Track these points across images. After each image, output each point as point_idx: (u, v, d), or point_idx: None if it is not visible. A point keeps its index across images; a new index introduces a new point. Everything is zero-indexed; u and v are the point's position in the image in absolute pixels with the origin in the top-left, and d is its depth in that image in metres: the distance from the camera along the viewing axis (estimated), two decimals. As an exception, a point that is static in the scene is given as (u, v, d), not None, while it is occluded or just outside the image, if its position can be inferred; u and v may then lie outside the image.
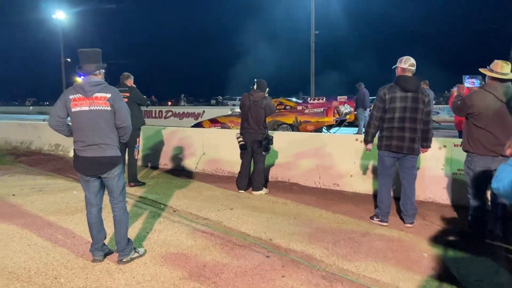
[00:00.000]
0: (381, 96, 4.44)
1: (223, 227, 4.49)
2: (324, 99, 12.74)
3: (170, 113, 21.13)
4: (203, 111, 20.06)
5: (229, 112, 13.92)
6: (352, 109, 12.90)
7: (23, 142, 11.37)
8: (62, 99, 3.36)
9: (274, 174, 7.03)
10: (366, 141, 4.69)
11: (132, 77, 6.69)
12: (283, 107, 12.63)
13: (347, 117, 12.58)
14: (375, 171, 5.73)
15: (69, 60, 38.76)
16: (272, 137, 6.17)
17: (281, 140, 7.01)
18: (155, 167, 8.35)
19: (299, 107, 12.57)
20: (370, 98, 13.62)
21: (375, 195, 5.48)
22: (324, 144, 6.72)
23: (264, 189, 6.12)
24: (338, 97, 12.94)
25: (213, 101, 50.44)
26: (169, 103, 43.17)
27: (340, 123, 12.71)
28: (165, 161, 8.37)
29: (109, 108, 3.35)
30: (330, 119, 11.94)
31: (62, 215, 4.91)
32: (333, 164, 6.48)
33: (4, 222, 4.63)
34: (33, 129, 11.53)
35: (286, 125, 12.15)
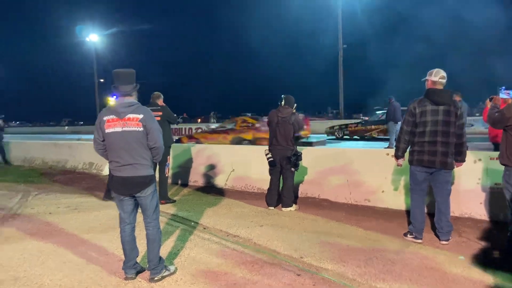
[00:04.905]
0: (411, 110, 4.35)
1: (253, 245, 4.48)
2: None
3: (199, 130, 21.43)
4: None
5: (204, 128, 15.43)
6: (306, 127, 13.11)
7: (59, 162, 11.77)
8: (97, 122, 3.46)
9: (303, 190, 6.98)
10: (397, 156, 4.59)
11: (162, 96, 6.85)
12: (246, 125, 13.48)
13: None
14: (407, 186, 5.59)
15: (102, 80, 40.14)
16: (301, 153, 6.14)
17: (310, 156, 6.97)
18: (185, 184, 8.46)
19: (257, 125, 13.12)
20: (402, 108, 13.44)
21: (408, 211, 5.34)
22: (354, 159, 6.63)
23: (293, 205, 6.07)
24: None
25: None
26: (199, 120, 43.85)
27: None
28: (195, 178, 8.46)
29: (141, 129, 3.41)
30: None
31: (95, 233, 5.02)
32: (364, 179, 6.37)
33: (42, 240, 4.78)
34: (67, 148, 11.94)
35: (246, 142, 12.73)
